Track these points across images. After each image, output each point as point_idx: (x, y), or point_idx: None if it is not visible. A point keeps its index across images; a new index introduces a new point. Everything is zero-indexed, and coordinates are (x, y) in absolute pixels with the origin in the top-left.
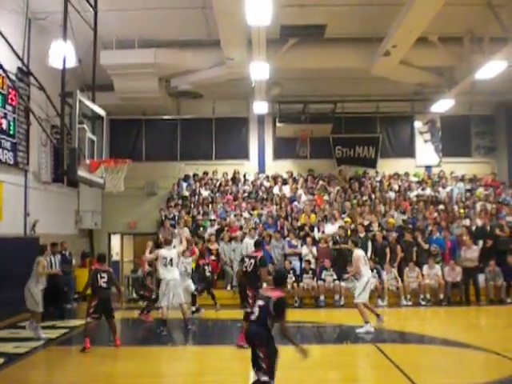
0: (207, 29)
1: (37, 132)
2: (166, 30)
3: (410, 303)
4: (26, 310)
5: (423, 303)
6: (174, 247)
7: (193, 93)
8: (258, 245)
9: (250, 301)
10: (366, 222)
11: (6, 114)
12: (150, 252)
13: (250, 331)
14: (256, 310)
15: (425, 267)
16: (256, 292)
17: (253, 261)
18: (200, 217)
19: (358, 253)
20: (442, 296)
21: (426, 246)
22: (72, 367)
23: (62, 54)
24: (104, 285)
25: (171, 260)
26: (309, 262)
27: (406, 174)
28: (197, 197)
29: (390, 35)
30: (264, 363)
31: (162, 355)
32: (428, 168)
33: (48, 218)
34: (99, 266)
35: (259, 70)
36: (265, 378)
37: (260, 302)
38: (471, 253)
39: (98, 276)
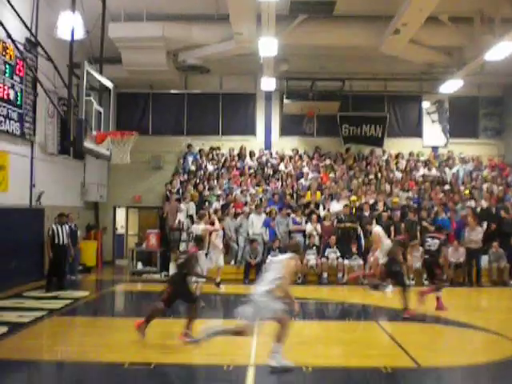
0: (216, 3)
1: (44, 103)
2: (174, 4)
3: (412, 282)
4: (30, 280)
5: (426, 283)
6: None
7: (200, 67)
8: None
9: None
10: (371, 201)
11: (13, 84)
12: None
13: None
14: None
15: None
16: None
17: None
18: (206, 192)
19: (376, 229)
20: (444, 276)
21: (432, 228)
22: (75, 337)
23: (70, 25)
24: None
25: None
26: (313, 238)
27: (411, 154)
28: (202, 171)
29: (400, 13)
30: None
31: (166, 326)
32: (435, 148)
33: (54, 189)
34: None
35: (267, 46)
36: None
37: None
38: (476, 234)
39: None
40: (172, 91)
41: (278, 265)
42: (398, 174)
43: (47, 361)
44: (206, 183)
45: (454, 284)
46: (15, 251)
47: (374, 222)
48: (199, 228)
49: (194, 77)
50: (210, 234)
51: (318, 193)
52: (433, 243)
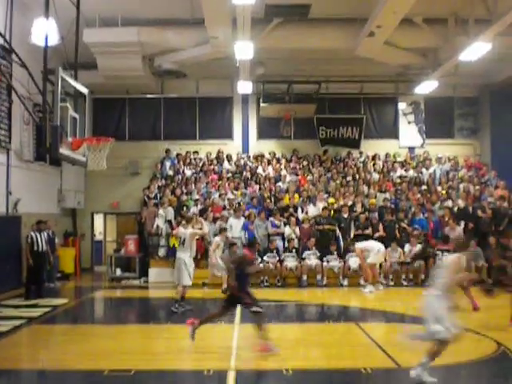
0: (191, 7)
1: (19, 110)
2: (149, 8)
3: (391, 283)
4: (8, 289)
5: (405, 283)
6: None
7: (176, 72)
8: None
9: None
10: (349, 203)
11: None
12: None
13: None
14: None
15: (406, 246)
16: None
17: None
18: (184, 196)
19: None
20: (423, 276)
21: (410, 229)
22: (55, 345)
23: (44, 31)
24: None
25: (184, 240)
26: (292, 241)
27: (388, 155)
28: (180, 176)
29: (374, 16)
30: None
31: (146, 333)
32: (411, 149)
33: (30, 196)
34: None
35: (243, 50)
36: None
37: None
38: (455, 234)
39: None
40: (148, 96)
41: (445, 266)
42: (376, 176)
43: (27, 370)
44: (183, 188)
45: None
46: None
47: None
48: (187, 232)
49: (170, 81)
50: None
51: (296, 195)
52: None
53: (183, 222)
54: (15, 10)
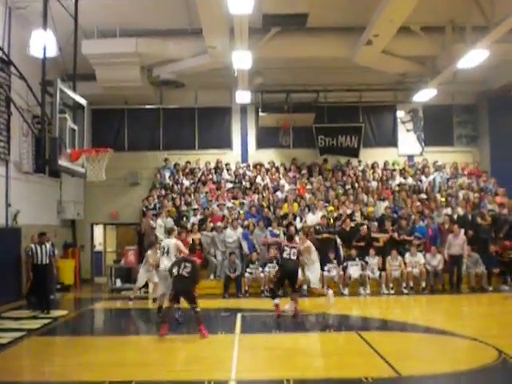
0: (189, 17)
1: (18, 122)
2: (147, 19)
3: (392, 292)
4: (7, 301)
5: (405, 291)
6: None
7: (175, 82)
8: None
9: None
10: (348, 211)
11: None
12: None
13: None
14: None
15: (407, 255)
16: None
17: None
18: (183, 207)
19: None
20: (423, 284)
21: (411, 238)
22: (55, 357)
23: (42, 43)
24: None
25: (168, 249)
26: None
27: (386, 163)
28: (179, 186)
29: (372, 24)
30: None
31: (147, 344)
32: (410, 157)
33: (30, 208)
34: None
35: (241, 59)
36: None
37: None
38: (458, 241)
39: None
40: (147, 106)
41: None
42: (374, 184)
43: (27, 382)
44: (182, 198)
45: (434, 291)
46: None
47: None
48: (171, 242)
49: (169, 91)
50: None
51: (295, 205)
52: None
53: (168, 233)
54: (13, 22)
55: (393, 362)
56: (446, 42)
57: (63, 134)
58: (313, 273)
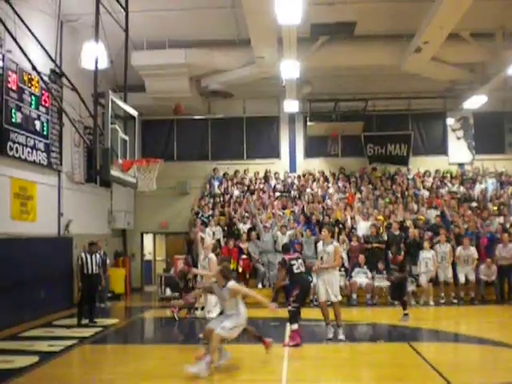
0: (237, 28)
1: (70, 133)
2: (195, 30)
3: (442, 301)
4: (59, 309)
5: (455, 301)
6: None
7: (223, 92)
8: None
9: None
10: (399, 219)
11: (39, 115)
12: None
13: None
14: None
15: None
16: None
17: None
18: (236, 216)
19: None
20: (473, 294)
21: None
22: (106, 365)
23: (93, 55)
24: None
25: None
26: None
27: (437, 172)
28: (229, 195)
29: (421, 31)
30: None
31: (196, 353)
32: (461, 165)
33: (81, 218)
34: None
35: (290, 69)
36: None
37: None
38: (508, 251)
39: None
40: (196, 117)
41: None
42: (425, 192)
43: None
44: (232, 207)
45: (486, 302)
46: (44, 280)
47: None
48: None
49: (217, 101)
50: None
51: (344, 213)
52: None
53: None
54: (65, 34)
55: (446, 373)
56: (496, 48)
57: (114, 144)
58: (333, 286)
